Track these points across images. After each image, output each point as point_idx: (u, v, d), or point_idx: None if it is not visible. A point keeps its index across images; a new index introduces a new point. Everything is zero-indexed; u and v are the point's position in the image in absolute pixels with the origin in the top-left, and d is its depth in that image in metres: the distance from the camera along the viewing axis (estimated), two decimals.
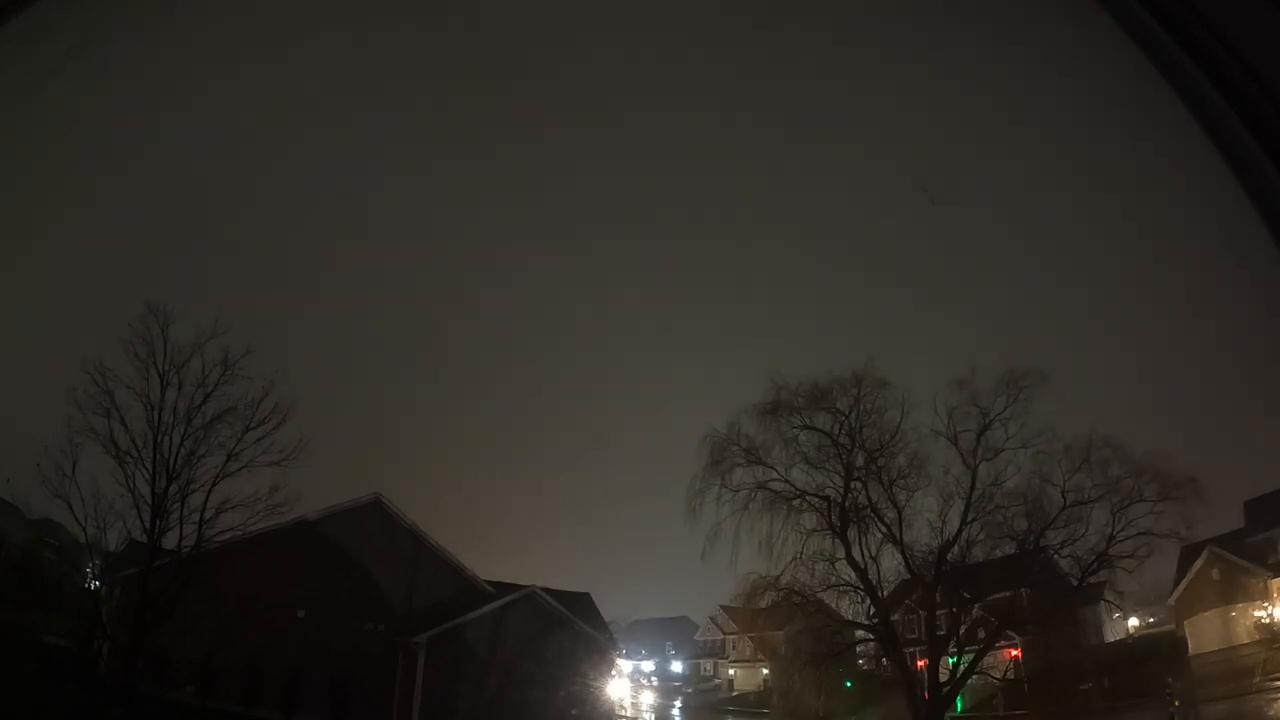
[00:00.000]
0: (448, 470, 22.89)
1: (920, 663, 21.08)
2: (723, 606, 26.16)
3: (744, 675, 26.21)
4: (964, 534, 20.79)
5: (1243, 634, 20.50)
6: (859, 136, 21.88)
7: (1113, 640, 23.13)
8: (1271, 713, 19.23)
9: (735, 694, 26.22)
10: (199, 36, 18.76)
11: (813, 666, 21.96)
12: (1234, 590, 20.63)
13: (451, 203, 22.80)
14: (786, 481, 21.31)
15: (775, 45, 20.59)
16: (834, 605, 21.56)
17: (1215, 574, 20.85)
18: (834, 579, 21.15)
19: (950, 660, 20.67)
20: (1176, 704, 18.98)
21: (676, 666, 27.77)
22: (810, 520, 21.16)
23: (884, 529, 21.09)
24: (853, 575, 21.03)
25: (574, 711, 21.88)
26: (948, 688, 20.42)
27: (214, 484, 19.40)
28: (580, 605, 22.69)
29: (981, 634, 21.40)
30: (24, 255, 19.05)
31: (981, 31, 18.52)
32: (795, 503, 21.23)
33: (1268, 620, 20.22)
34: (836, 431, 21.41)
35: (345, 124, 21.53)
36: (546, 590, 22.18)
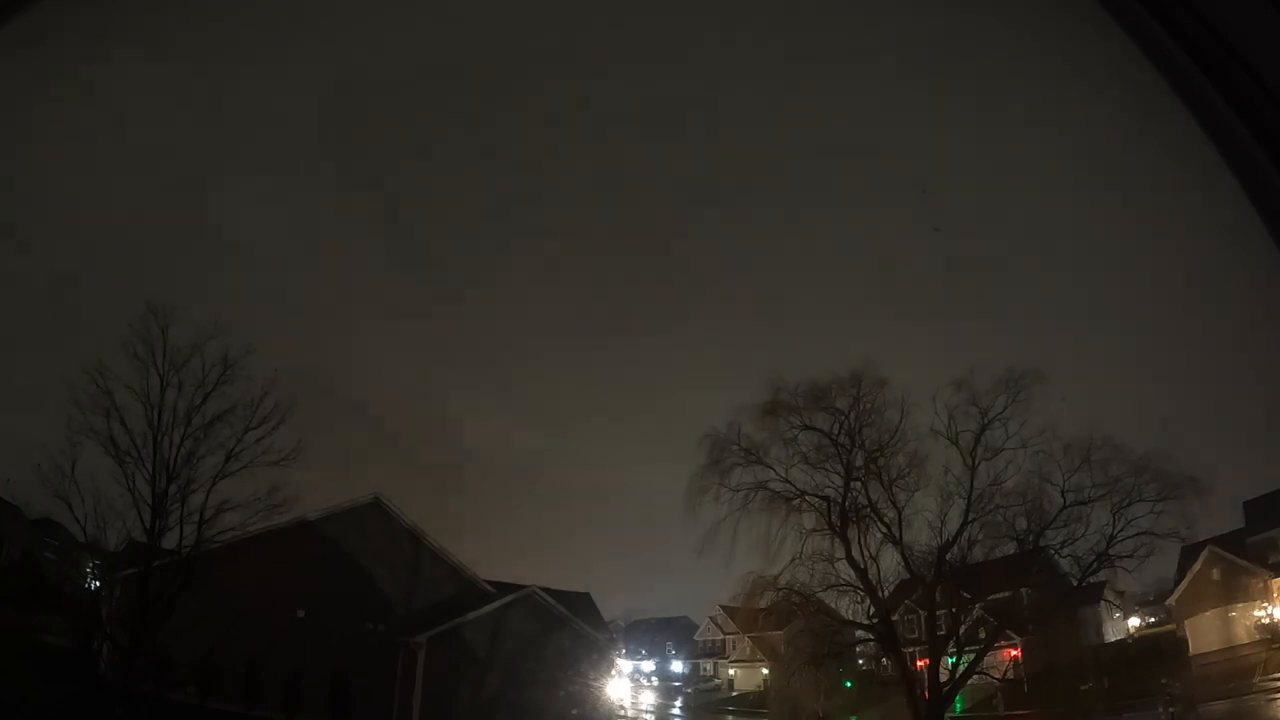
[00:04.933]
0: (448, 471, 22.93)
1: (920, 663, 21.07)
2: (723, 606, 26.19)
3: (744, 675, 26.21)
4: (964, 534, 20.80)
5: (1243, 634, 20.51)
6: (858, 138, 21.91)
7: (1113, 640, 23.16)
8: (1271, 713, 19.24)
9: (735, 694, 26.24)
10: (198, 38, 18.77)
11: (813, 666, 21.95)
12: (1234, 590, 20.63)
13: (453, 206, 22.84)
14: (786, 481, 21.32)
15: (775, 50, 20.61)
16: (834, 605, 21.58)
17: (1215, 574, 20.86)
18: (834, 579, 21.15)
19: (950, 660, 20.65)
20: (1170, 710, 19.02)
21: (676, 666, 27.79)
22: (810, 520, 21.17)
23: (884, 529, 21.10)
24: (853, 575, 21.03)
25: (574, 711, 21.88)
26: (948, 687, 20.41)
27: (214, 484, 19.42)
28: (580, 605, 22.71)
29: (981, 634, 21.39)
30: (25, 254, 19.07)
31: (981, 33, 18.53)
32: (795, 502, 21.23)
33: (1268, 620, 20.23)
34: (836, 431, 21.42)
35: (346, 126, 21.57)
36: (546, 590, 22.20)
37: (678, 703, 26.95)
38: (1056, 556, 20.90)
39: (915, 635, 21.71)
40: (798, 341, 22.82)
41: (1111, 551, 20.28)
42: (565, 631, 22.16)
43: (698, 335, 23.78)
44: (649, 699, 26.47)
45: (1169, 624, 22.06)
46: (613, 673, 22.90)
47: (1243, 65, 3.78)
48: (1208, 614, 20.85)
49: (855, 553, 21.00)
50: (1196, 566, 20.98)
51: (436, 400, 23.37)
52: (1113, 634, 23.20)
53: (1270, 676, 19.26)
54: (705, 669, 27.34)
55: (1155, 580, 21.99)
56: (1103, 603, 22.71)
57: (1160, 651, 21.30)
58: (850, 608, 21.45)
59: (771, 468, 21.34)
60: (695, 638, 27.81)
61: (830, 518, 21.16)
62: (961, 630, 21.29)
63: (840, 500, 21.24)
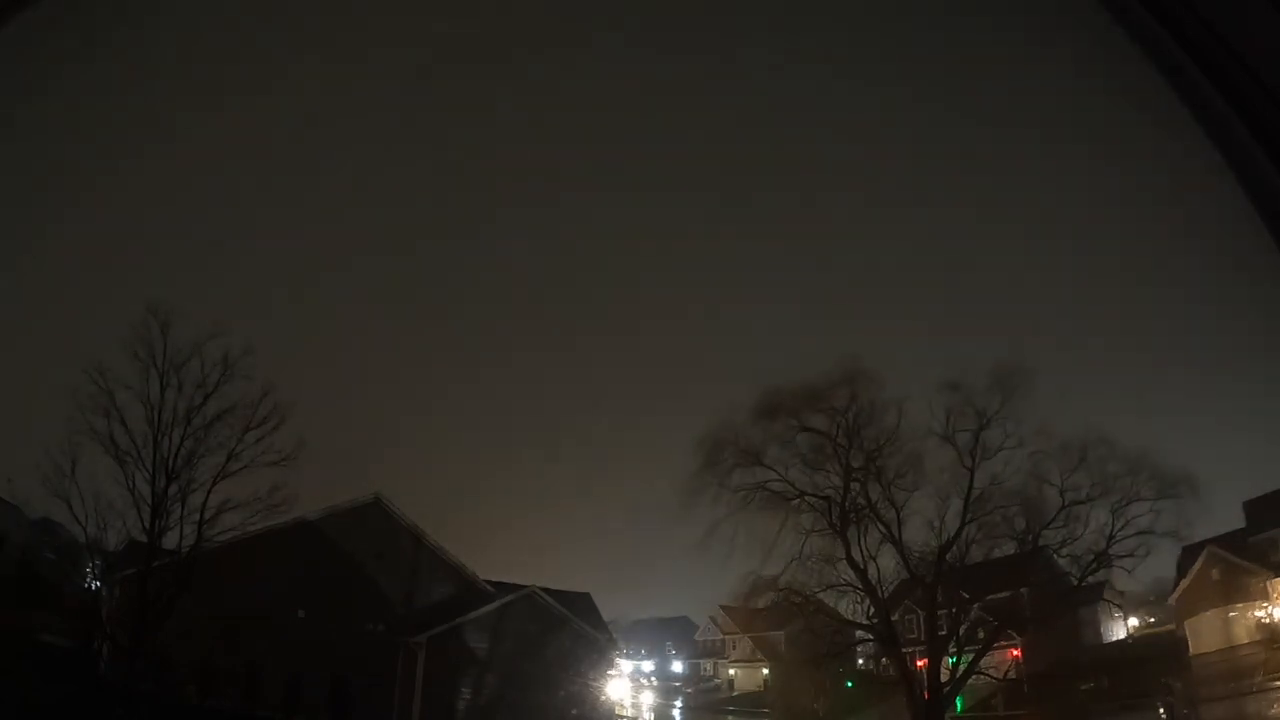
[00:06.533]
0: (448, 470, 22.93)
1: (920, 663, 21.05)
2: (723, 606, 26.17)
3: (744, 675, 26.20)
4: (963, 534, 20.78)
5: (1243, 634, 20.50)
6: (854, 137, 21.94)
7: (1113, 640, 23.15)
8: (1271, 713, 19.23)
9: (735, 694, 26.22)
10: (200, 38, 18.78)
11: (813, 666, 21.94)
12: (1234, 590, 20.61)
13: (453, 201, 22.85)
14: (785, 481, 21.29)
15: (775, 49, 20.62)
16: (834, 605, 21.56)
17: (1215, 574, 20.84)
18: (834, 579, 21.13)
19: (950, 660, 20.64)
20: (1163, 712, 19.05)
21: (676, 666, 27.78)
22: (809, 520, 21.13)
23: (883, 529, 21.06)
24: (852, 575, 21.01)
25: (574, 711, 21.87)
26: (948, 687, 20.40)
27: (214, 484, 19.39)
28: (580, 605, 22.68)
29: (981, 634, 21.37)
30: (25, 255, 19.06)
31: (980, 33, 18.55)
32: (794, 503, 21.20)
33: (1268, 620, 20.22)
34: (834, 432, 21.40)
35: (348, 126, 21.58)
36: (546, 590, 22.18)
37: (678, 703, 26.94)
38: (1056, 556, 20.90)
39: (915, 635, 21.69)
40: (795, 341, 22.87)
41: (1110, 551, 20.30)
42: (565, 631, 22.14)
43: (698, 335, 23.83)
44: (649, 699, 26.46)
45: (1169, 624, 22.05)
46: (613, 673, 22.89)
47: (1243, 65, 3.78)
48: (1208, 614, 20.83)
49: (855, 553, 21.00)
50: (1196, 566, 20.96)
51: (437, 400, 23.41)
52: (1113, 634, 23.19)
53: (1270, 676, 19.25)
54: (705, 669, 27.33)
55: (1155, 580, 22.01)
56: (1103, 602, 22.70)
57: (1160, 651, 21.29)
58: (850, 608, 21.48)
59: (771, 468, 21.35)
60: (695, 638, 27.80)
61: (830, 518, 21.14)
62: (961, 630, 21.28)
63: (840, 500, 21.24)
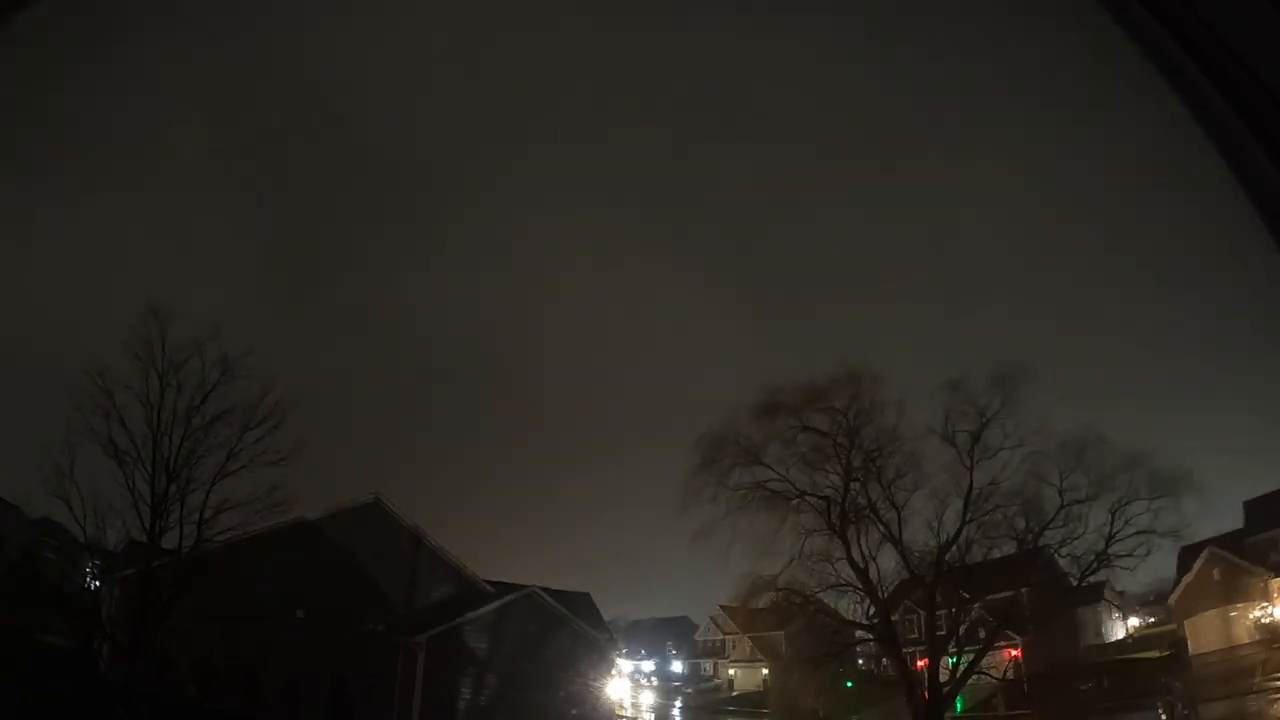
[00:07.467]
0: (449, 470, 22.94)
1: (920, 663, 21.04)
2: (723, 606, 26.16)
3: (744, 675, 26.19)
4: (963, 534, 20.77)
5: (1243, 634, 20.50)
6: (853, 135, 21.96)
7: (1113, 640, 23.16)
8: (1272, 713, 19.23)
9: (735, 694, 26.22)
10: (199, 37, 18.79)
11: (813, 666, 21.93)
12: (1234, 590, 20.61)
13: (455, 203, 22.87)
14: (785, 481, 21.29)
15: (772, 46, 20.63)
16: (834, 605, 21.56)
17: (1215, 574, 20.84)
18: (833, 579, 21.13)
19: (950, 660, 20.63)
20: (1163, 714, 19.05)
21: (676, 666, 27.78)
22: (809, 520, 21.12)
23: (883, 528, 21.06)
24: (852, 575, 21.00)
25: (574, 711, 21.87)
26: (948, 688, 20.39)
27: (213, 484, 19.40)
28: (580, 605, 22.68)
29: (981, 634, 21.36)
30: (24, 255, 19.07)
31: (980, 32, 18.56)
32: (794, 502, 21.20)
33: (1268, 620, 20.22)
34: (834, 431, 21.40)
35: (348, 125, 21.59)
36: (546, 590, 22.19)
37: (678, 703, 26.94)
38: (1056, 556, 20.89)
39: (915, 635, 21.68)
40: (795, 341, 22.90)
41: (1110, 551, 20.29)
42: (565, 631, 22.14)
43: (699, 335, 23.85)
44: (649, 699, 26.46)
45: (1169, 624, 22.06)
46: (613, 673, 22.88)
47: (1243, 65, 3.78)
48: (1208, 614, 20.83)
49: (855, 553, 21.00)
50: (1196, 566, 20.96)
51: (438, 400, 23.43)
52: (1113, 634, 23.19)
53: (1270, 676, 19.25)
54: (705, 669, 27.33)
55: (1155, 580, 22.01)
56: (1103, 602, 22.69)
57: (1160, 651, 21.28)
58: (850, 608, 21.47)
59: (771, 468, 21.34)
60: (695, 638, 27.81)
61: (830, 517, 21.13)
62: (961, 630, 21.27)
63: (840, 500, 21.23)
